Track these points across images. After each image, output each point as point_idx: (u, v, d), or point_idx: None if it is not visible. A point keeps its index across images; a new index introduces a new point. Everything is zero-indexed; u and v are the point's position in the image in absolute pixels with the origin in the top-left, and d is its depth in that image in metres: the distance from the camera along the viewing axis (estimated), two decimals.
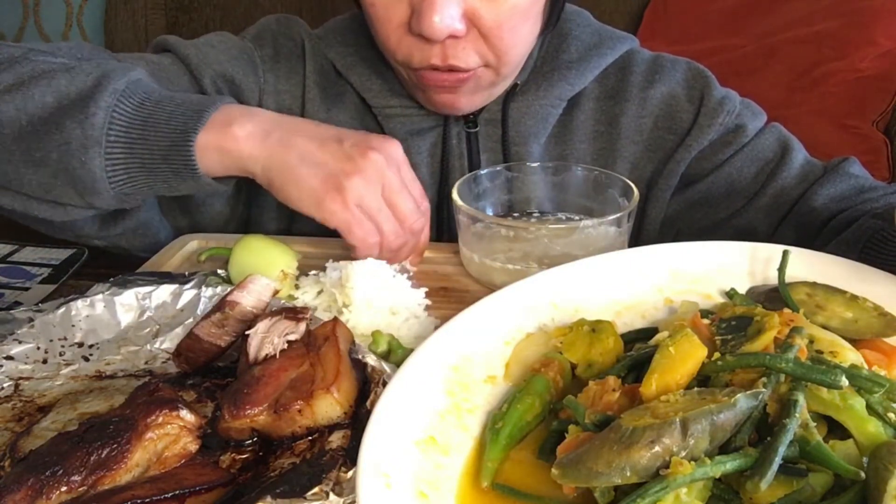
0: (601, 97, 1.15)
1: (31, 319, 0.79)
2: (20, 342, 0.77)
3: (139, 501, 0.55)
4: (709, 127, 1.10)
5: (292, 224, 1.18)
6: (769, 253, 0.80)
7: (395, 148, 0.91)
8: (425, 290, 0.89)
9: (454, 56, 0.96)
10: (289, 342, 0.69)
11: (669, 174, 1.13)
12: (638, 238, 1.16)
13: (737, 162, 1.10)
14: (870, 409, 0.56)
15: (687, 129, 1.12)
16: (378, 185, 0.88)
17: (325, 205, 0.87)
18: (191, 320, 0.81)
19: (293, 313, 0.71)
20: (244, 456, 0.63)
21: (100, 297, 0.82)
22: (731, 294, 0.77)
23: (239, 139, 0.88)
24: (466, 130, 1.13)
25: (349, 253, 0.91)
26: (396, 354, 0.75)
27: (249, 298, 0.74)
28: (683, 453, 0.51)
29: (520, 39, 1.01)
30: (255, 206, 1.18)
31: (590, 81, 1.13)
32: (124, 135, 0.86)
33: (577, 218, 1.03)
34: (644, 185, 1.15)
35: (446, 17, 0.91)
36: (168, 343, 0.79)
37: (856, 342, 0.67)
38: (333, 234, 1.09)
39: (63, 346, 0.78)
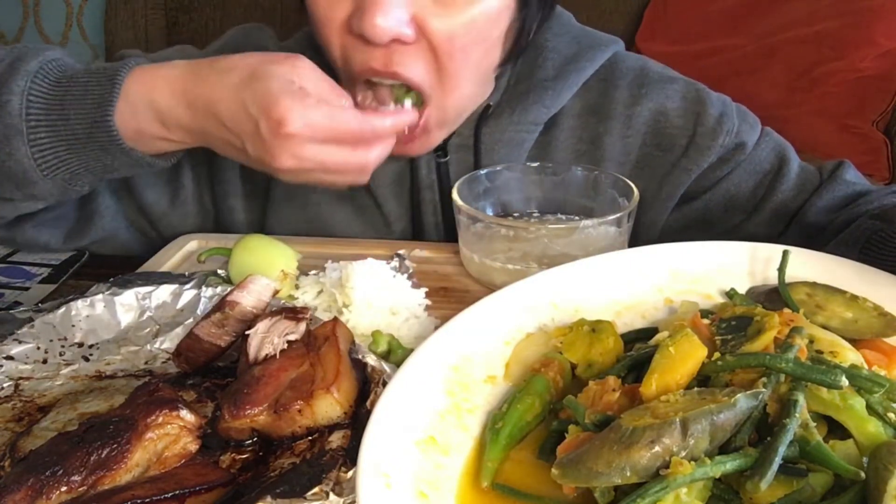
0: (582, 113, 1.08)
1: (31, 319, 0.79)
2: (20, 342, 0.77)
3: (139, 501, 0.55)
4: (708, 149, 1.04)
5: (265, 223, 1.13)
6: (769, 253, 0.80)
7: (290, 78, 0.80)
8: (425, 290, 0.89)
9: (399, 63, 0.88)
10: (289, 342, 0.69)
11: (667, 197, 1.08)
12: None
13: (734, 178, 1.06)
14: (870, 409, 0.56)
15: (683, 147, 1.06)
16: (306, 146, 0.80)
17: (280, 178, 0.85)
18: (191, 320, 0.81)
19: (293, 313, 0.71)
20: (244, 456, 0.64)
21: (100, 297, 0.82)
22: (731, 294, 0.77)
23: (160, 122, 0.83)
24: (437, 160, 1.06)
25: (351, 251, 0.90)
26: (396, 354, 0.75)
27: (249, 298, 0.74)
28: (683, 453, 0.51)
29: (471, 64, 0.93)
30: (223, 211, 1.14)
31: (568, 99, 1.06)
32: (44, 117, 0.83)
33: (577, 218, 1.03)
34: None
35: (391, 18, 0.83)
36: (168, 343, 0.79)
37: (856, 342, 0.67)
38: (333, 234, 1.10)
39: (63, 346, 0.78)
